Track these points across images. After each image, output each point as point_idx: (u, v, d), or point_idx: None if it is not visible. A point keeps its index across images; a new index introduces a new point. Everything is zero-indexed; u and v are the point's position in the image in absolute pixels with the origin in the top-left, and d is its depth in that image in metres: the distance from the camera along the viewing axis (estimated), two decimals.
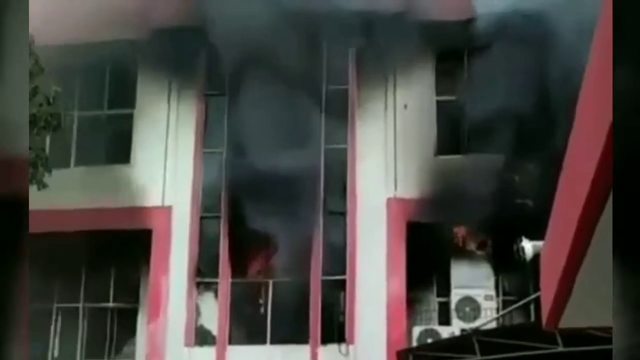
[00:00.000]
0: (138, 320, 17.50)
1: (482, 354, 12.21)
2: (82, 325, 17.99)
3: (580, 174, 3.05)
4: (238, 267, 16.46)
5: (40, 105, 9.25)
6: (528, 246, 12.37)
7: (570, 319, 4.29)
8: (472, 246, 15.26)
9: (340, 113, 16.39)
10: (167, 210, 16.92)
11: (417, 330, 15.14)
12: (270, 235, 16.00)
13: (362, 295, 15.64)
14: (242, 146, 16.43)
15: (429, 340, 14.68)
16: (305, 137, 16.14)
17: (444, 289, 15.81)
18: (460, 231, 15.32)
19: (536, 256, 11.39)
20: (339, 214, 16.30)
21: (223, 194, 16.70)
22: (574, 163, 3.28)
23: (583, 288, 3.79)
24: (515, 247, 13.15)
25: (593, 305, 4.07)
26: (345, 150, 16.44)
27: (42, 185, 9.35)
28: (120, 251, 17.13)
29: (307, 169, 16.06)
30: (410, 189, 15.82)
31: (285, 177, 15.80)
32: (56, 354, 18.18)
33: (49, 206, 15.38)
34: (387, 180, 16.02)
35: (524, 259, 12.45)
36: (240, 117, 16.44)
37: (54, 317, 18.21)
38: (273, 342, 15.93)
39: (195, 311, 16.52)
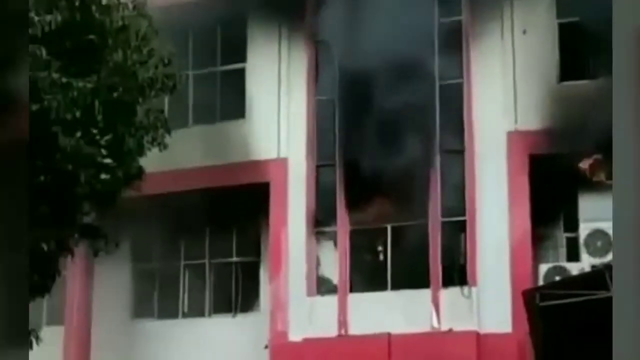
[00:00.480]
0: (260, 273, 17.72)
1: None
2: (208, 281, 18.41)
3: None
4: (356, 214, 16.28)
5: (156, 67, 9.47)
6: None
7: None
8: (600, 176, 14.37)
9: (454, 46, 15.88)
10: (283, 162, 16.98)
11: (543, 268, 14.46)
12: (386, 179, 15.71)
13: (483, 235, 15.09)
14: (355, 90, 16.25)
15: (557, 278, 13.98)
16: (418, 73, 15.73)
17: (572, 224, 14.98)
18: (587, 161, 14.47)
19: None
20: (456, 152, 15.78)
21: (337, 141, 16.58)
22: None
23: None
24: None
25: None
26: (460, 84, 15.91)
27: (163, 147, 9.61)
28: (241, 206, 17.37)
29: (421, 107, 15.66)
30: (532, 120, 15.08)
31: (399, 118, 15.49)
32: (186, 309, 18.70)
33: (170, 167, 15.88)
34: (507, 113, 15.35)
35: None
36: (351, 60, 16.23)
37: (181, 274, 18.74)
38: (394, 287, 15.65)
39: (316, 261, 16.52)
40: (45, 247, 8.88)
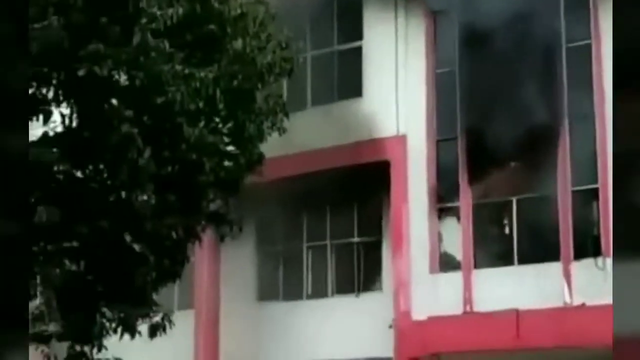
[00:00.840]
0: (383, 252, 17.71)
1: None
2: (330, 261, 18.56)
3: None
4: (479, 188, 16.00)
5: (274, 52, 9.59)
6: None
7: None
8: None
9: (581, 5, 15.30)
10: (402, 139, 16.84)
11: None
12: (511, 149, 15.35)
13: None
14: (476, 60, 15.92)
15: None
16: (543, 36, 15.23)
17: None
18: None
19: None
20: (585, 117, 15.22)
21: (458, 114, 16.31)
22: None
23: None
24: None
25: None
26: (589, 45, 15.30)
27: (282, 131, 9.76)
28: (361, 185, 17.38)
29: (547, 71, 15.18)
30: None
31: (524, 84, 15.09)
32: (309, 290, 18.93)
33: (290, 151, 16.02)
34: None
35: None
36: (471, 28, 15.87)
37: (304, 256, 18.98)
38: (521, 262, 15.29)
39: (438, 237, 16.37)
40: (174, 234, 9.14)
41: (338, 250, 18.55)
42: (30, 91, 7.84)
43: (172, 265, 9.85)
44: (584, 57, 15.25)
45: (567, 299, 14.58)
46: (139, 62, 7.98)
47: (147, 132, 8.20)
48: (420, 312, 15.73)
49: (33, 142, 8.11)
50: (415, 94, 16.78)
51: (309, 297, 18.77)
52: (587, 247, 14.93)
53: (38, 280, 8.58)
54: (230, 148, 9.36)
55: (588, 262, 14.60)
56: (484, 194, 16.00)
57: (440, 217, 16.41)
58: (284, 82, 11.28)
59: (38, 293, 8.61)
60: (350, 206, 18.28)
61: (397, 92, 17.10)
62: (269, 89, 9.41)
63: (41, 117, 7.91)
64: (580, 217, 15.03)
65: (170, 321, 9.96)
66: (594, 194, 14.95)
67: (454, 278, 15.65)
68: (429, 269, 16.05)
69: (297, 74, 10.30)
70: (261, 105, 9.24)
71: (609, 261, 14.35)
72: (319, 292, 18.58)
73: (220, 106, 8.84)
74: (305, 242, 18.90)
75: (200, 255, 16.65)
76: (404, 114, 16.93)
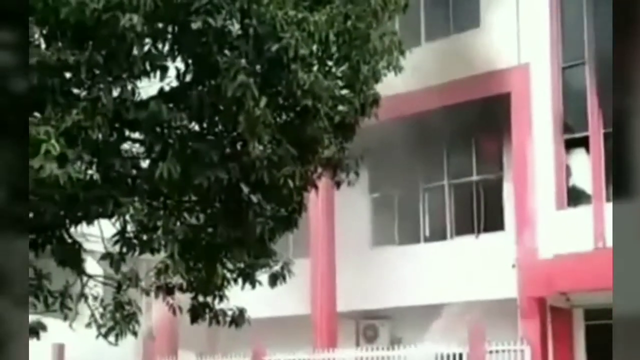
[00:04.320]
0: (504, 189, 17.90)
1: None
2: (448, 202, 18.88)
3: None
4: (610, 115, 15.93)
5: None
6: None
7: None
8: None
9: None
10: (524, 68, 16.84)
11: None
12: None
13: None
14: None
15: None
16: None
17: None
18: None
19: None
20: None
21: (586, 37, 16.18)
22: None
23: None
24: None
25: None
26: None
27: (398, 70, 9.97)
28: (479, 121, 17.51)
29: None
30: None
31: None
32: (427, 233, 19.35)
33: (403, 89, 16.27)
34: None
35: None
36: None
37: (421, 199, 19.35)
38: None
39: (565, 171, 16.44)
40: (291, 183, 9.59)
41: (456, 191, 18.86)
42: (145, 48, 8.42)
43: (289, 214, 10.36)
44: None
45: None
46: (252, 10, 8.39)
47: (263, 81, 8.65)
48: (546, 251, 15.93)
49: (151, 97, 8.72)
50: (538, 19, 16.70)
51: (427, 240, 19.21)
52: None
53: (160, 233, 9.19)
54: (345, 91, 9.71)
55: None
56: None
57: (567, 149, 16.47)
58: (396, 20, 11.52)
59: (162, 246, 9.24)
60: (468, 144, 18.49)
61: (519, 19, 17.04)
62: (384, 27, 9.64)
63: (158, 73, 8.48)
64: None
65: (290, 270, 10.48)
66: None
67: (584, 213, 15.74)
68: (556, 204, 16.17)
69: (410, 8, 10.48)
70: (376, 44, 9.50)
71: None
72: (437, 235, 18.99)
73: (334, 49, 9.18)
74: (421, 183, 19.29)
75: (314, 203, 17.28)
76: (525, 41, 16.91)
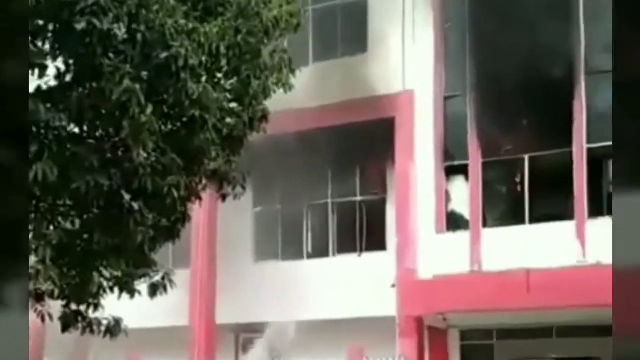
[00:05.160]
0: (387, 210, 17.98)
1: None
2: (332, 220, 18.83)
3: None
4: (489, 145, 16.22)
5: (280, 6, 9.64)
6: None
7: None
8: None
9: None
10: (409, 95, 16.99)
11: None
12: (523, 106, 15.53)
13: None
14: (486, 13, 16.00)
15: None
16: None
17: None
18: None
19: None
20: (602, 73, 15.37)
21: (468, 69, 16.44)
22: None
23: None
24: None
25: None
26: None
27: (288, 87, 9.82)
28: (364, 143, 17.57)
29: (564, 25, 15.28)
30: None
31: (538, 38, 15.19)
32: (310, 250, 19.23)
33: (290, 107, 16.13)
34: None
35: None
36: None
37: (305, 215, 19.23)
38: (532, 221, 15.60)
39: (445, 196, 16.62)
40: (175, 193, 9.30)
41: (340, 209, 18.83)
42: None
43: (172, 224, 10.04)
44: (603, 9, 15.35)
45: (581, 258, 14.89)
46: (140, 16, 8.11)
47: (149, 88, 8.36)
48: (425, 272, 16.08)
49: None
50: (423, 49, 16.90)
51: (310, 256, 19.10)
52: (602, 205, 15.20)
53: (31, 238, 8.74)
54: (233, 105, 9.51)
55: (603, 221, 14.84)
56: (495, 151, 16.23)
57: (447, 176, 16.67)
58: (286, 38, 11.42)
59: (32, 251, 8.79)
60: (353, 164, 18.50)
61: (404, 47, 17.20)
62: (275, 44, 9.51)
63: (36, 71, 8.06)
64: (595, 175, 15.29)
65: (171, 281, 10.16)
66: (609, 151, 15.17)
67: (462, 237, 15.97)
68: (436, 228, 16.35)
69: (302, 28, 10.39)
70: (266, 60, 9.35)
71: None
72: (320, 252, 18.89)
73: (224, 61, 8.98)
74: (305, 200, 19.18)
75: (197, 214, 16.93)
76: (410, 69, 17.08)
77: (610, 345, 16.25)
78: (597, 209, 15.14)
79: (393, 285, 16.50)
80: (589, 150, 15.24)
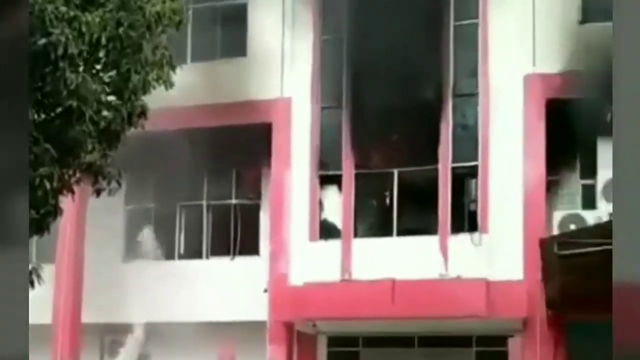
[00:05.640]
0: (261, 215, 17.94)
1: None
2: (206, 222, 18.64)
3: None
4: (362, 157, 16.45)
5: (164, 2, 9.44)
6: None
7: None
8: None
9: None
10: (286, 102, 17.04)
11: (558, 216, 14.68)
12: (395, 122, 15.83)
13: (496, 181, 15.28)
14: (364, 29, 16.25)
15: (572, 226, 14.21)
16: (432, 12, 15.73)
17: (589, 171, 15.16)
18: (608, 107, 14.56)
19: None
20: (469, 95, 15.90)
21: (344, 82, 16.63)
22: None
23: None
24: None
25: None
26: (476, 25, 15.93)
27: (169, 85, 9.62)
28: (241, 147, 17.47)
29: (435, 48, 15.70)
30: (551, 63, 15.11)
31: (411, 58, 15.53)
32: (182, 251, 18.95)
33: (167, 105, 15.88)
34: (525, 55, 15.38)
35: None
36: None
37: (178, 216, 18.94)
38: (400, 234, 15.91)
39: (319, 205, 16.73)
40: (47, 185, 8.98)
41: (214, 211, 18.66)
42: None
43: (42, 217, 9.69)
44: (471, 36, 15.89)
45: (443, 271, 15.28)
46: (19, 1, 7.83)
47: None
48: (297, 278, 16.14)
49: None
50: (302, 57, 16.98)
51: (182, 257, 18.80)
52: (464, 222, 15.68)
53: None
54: (112, 98, 9.28)
55: (465, 237, 15.34)
56: (367, 164, 16.48)
57: (322, 185, 16.79)
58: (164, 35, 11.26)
59: None
60: (229, 167, 18.36)
61: (283, 54, 17.23)
62: (157, 40, 9.36)
63: None
64: (459, 193, 15.76)
65: (39, 276, 9.79)
66: (473, 171, 15.70)
67: (334, 246, 16.11)
68: (309, 235, 16.43)
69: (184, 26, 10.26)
70: (147, 55, 9.18)
71: (485, 237, 15.13)
72: (193, 253, 18.64)
73: (103, 53, 8.77)
74: (179, 200, 18.90)
75: (66, 209, 16.39)
76: (289, 77, 17.13)
77: (467, 354, 16.82)
78: (459, 225, 15.58)
79: (265, 290, 16.46)
80: (454, 169, 15.67)
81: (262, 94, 17.14)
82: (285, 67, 17.17)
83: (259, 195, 18.07)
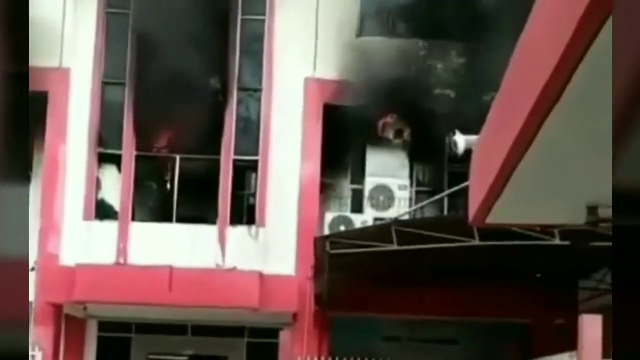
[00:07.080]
0: (31, 191, 16.87)
1: (399, 244, 12.46)
2: None
3: (539, 61, 2.77)
4: (143, 139, 15.93)
5: None
6: (461, 140, 12.28)
7: (497, 216, 4.16)
8: (389, 134, 15.27)
9: None
10: (65, 72, 16.01)
11: (329, 217, 15.22)
12: (180, 108, 15.47)
13: (274, 178, 15.52)
14: (151, 8, 15.60)
15: (342, 227, 14.87)
16: (219, 6, 15.46)
17: (359, 176, 15.85)
18: (378, 118, 15.26)
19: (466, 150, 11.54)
20: (254, 90, 15.93)
21: (129, 59, 15.94)
22: (531, 49, 2.98)
23: (516, 185, 3.62)
24: (447, 141, 13.24)
25: (521, 203, 4.02)
26: (263, 22, 15.89)
27: None
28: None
29: (221, 38, 15.48)
30: (329, 70, 15.44)
31: (198, 45, 15.17)
32: None
33: None
34: (307, 59, 15.58)
35: (456, 153, 12.42)
36: None
37: None
38: (179, 220, 15.73)
39: (96, 184, 16.06)
40: None
41: None
42: None
43: None
44: (258, 31, 15.84)
45: (220, 262, 15.40)
46: None
47: None
48: (69, 258, 15.43)
49: None
50: (85, 28, 15.98)
51: None
52: (242, 215, 15.84)
53: None
54: None
55: (242, 229, 15.52)
56: (149, 147, 16.02)
57: (100, 163, 16.09)
58: None
59: None
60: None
61: (64, 23, 16.09)
62: None
63: None
64: (239, 186, 15.84)
65: None
66: (255, 165, 15.84)
67: (110, 228, 15.55)
68: (84, 215, 15.73)
69: None
70: None
71: (262, 231, 15.43)
72: None
73: None
74: None
75: None
76: (70, 46, 16.06)
77: (239, 345, 17.16)
78: (238, 217, 15.72)
79: (32, 269, 15.57)
80: (236, 161, 15.70)
81: (38, 61, 15.90)
82: (66, 35, 16.06)
83: (29, 168, 16.92)
